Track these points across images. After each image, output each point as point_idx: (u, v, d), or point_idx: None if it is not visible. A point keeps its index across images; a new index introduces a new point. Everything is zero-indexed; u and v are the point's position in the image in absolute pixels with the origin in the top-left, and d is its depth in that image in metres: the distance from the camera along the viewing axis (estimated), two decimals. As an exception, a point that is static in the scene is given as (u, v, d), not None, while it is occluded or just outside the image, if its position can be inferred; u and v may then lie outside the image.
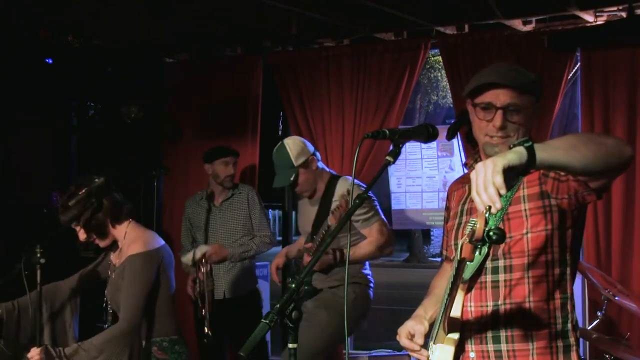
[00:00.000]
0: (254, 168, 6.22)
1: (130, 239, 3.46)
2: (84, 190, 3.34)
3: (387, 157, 2.33)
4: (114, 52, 6.34)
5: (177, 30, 5.88)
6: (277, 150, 4.39)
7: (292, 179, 4.24)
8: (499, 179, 1.81)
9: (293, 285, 2.03)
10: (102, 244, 3.52)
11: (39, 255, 3.21)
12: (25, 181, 6.16)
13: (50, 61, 6.16)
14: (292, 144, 4.33)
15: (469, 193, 2.53)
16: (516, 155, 1.88)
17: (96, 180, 3.36)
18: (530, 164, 1.90)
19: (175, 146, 6.59)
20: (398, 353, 6.48)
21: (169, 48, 6.57)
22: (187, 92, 6.58)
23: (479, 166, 1.86)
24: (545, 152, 1.93)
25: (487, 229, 1.85)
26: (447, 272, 2.62)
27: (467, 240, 1.96)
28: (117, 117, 6.41)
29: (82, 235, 3.46)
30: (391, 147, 2.37)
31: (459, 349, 2.29)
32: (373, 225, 4.22)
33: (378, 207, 4.31)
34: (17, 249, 3.33)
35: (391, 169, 8.88)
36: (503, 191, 1.82)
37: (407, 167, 8.65)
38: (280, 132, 6.99)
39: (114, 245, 3.58)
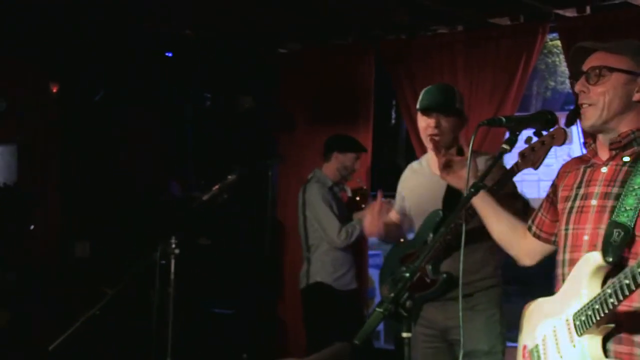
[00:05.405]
0: (366, 158, 6.19)
1: None
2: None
3: (504, 145, 2.30)
4: (228, 43, 6.47)
5: (289, 20, 5.93)
6: (441, 85, 3.86)
7: (448, 113, 3.60)
8: None
9: (407, 275, 2.01)
10: None
11: (173, 246, 3.37)
12: (144, 171, 6.39)
13: (170, 54, 6.37)
14: (458, 91, 3.77)
15: (584, 175, 2.33)
16: None
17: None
18: None
19: (288, 136, 6.64)
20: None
21: (281, 38, 6.63)
22: (300, 81, 6.62)
23: None
24: None
25: None
26: None
27: None
28: (231, 107, 6.55)
29: None
30: (507, 135, 2.33)
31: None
32: None
33: None
34: (141, 239, 3.48)
35: (507, 157, 8.66)
36: None
37: (523, 155, 8.42)
38: (393, 121, 6.94)
39: None
